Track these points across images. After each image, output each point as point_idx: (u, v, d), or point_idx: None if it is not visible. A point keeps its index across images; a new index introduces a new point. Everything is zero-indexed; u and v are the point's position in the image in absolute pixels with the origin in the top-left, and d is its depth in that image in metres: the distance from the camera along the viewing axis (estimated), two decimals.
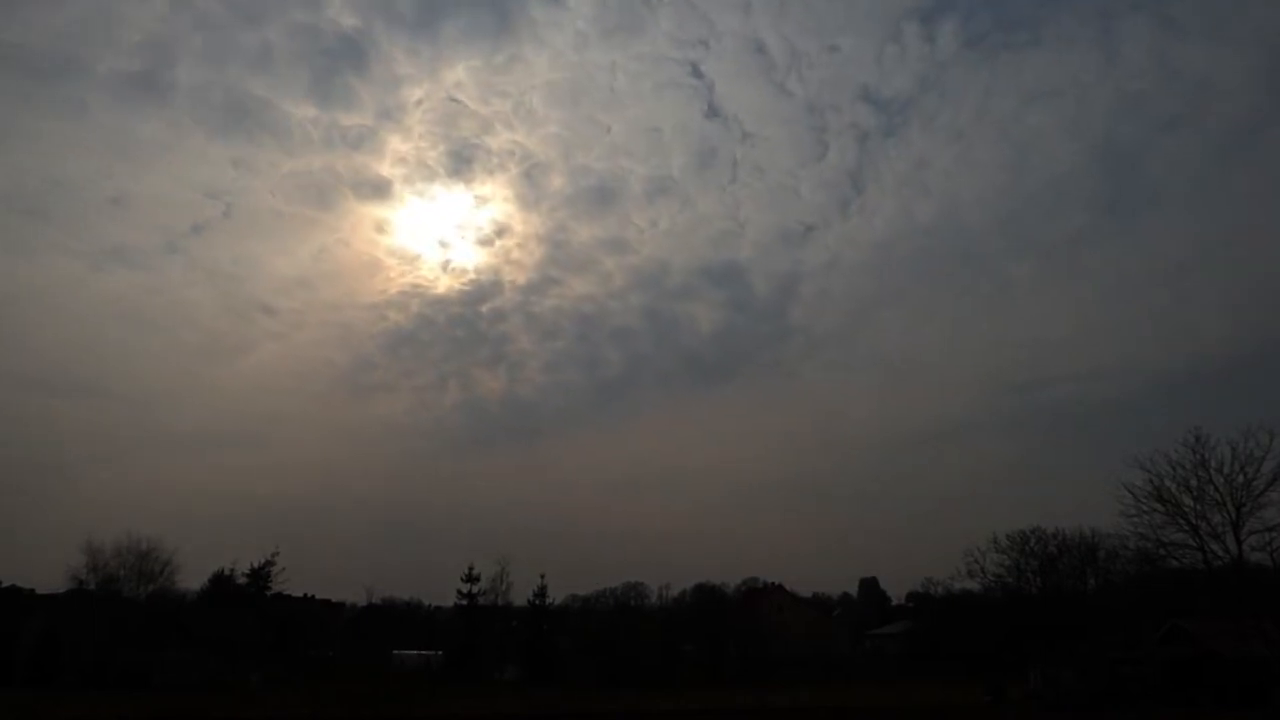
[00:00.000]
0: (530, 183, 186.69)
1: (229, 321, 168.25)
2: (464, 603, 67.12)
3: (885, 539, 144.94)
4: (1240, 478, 32.06)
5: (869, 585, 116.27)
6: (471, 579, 66.93)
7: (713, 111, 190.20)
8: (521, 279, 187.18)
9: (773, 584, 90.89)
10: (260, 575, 66.69)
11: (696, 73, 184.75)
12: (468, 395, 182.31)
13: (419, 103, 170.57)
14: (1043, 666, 42.11)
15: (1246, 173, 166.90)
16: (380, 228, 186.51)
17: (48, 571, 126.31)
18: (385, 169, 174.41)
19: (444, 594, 76.19)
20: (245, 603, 64.17)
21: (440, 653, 69.31)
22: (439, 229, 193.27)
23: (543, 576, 68.24)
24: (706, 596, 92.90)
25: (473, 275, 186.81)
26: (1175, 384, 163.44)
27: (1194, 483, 32.93)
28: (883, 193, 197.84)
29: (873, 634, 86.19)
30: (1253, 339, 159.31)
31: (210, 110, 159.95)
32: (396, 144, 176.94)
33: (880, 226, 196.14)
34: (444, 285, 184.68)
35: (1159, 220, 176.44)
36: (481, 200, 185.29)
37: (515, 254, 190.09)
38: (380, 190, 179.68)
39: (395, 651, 72.42)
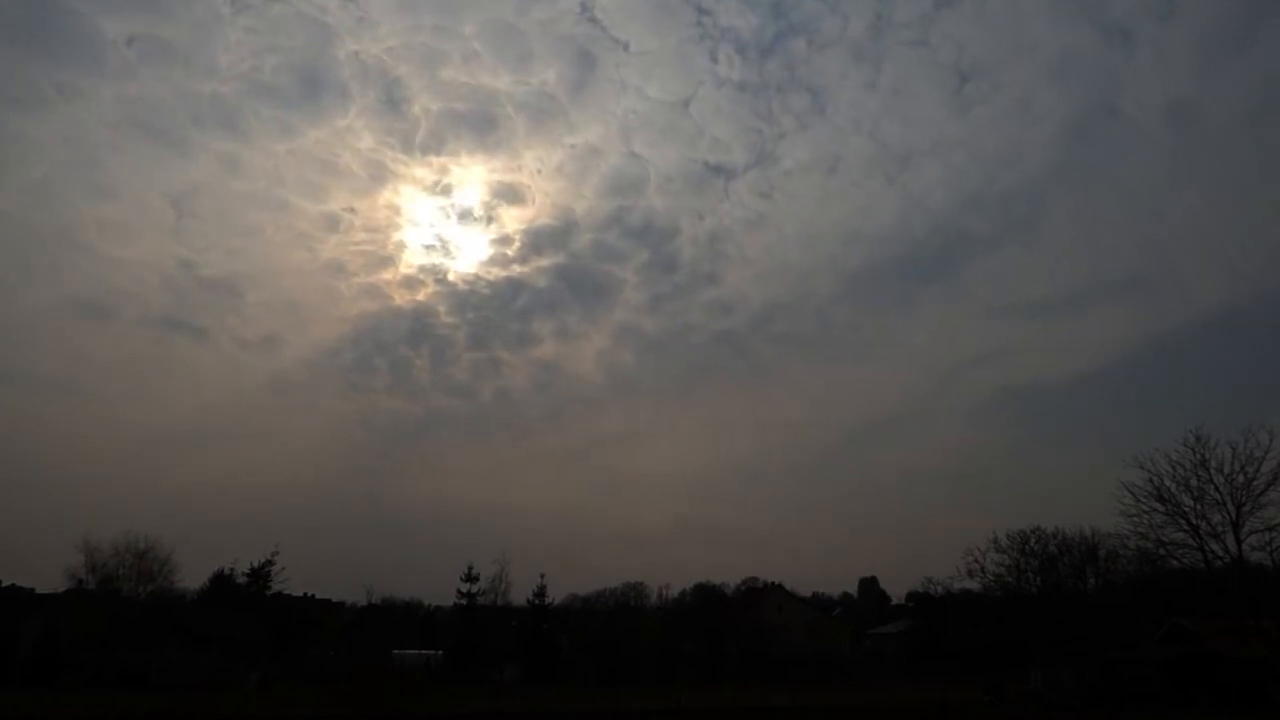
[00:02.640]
0: (394, 109, 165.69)
1: (117, 291, 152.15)
2: (464, 602, 67.24)
3: (885, 539, 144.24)
4: (1240, 477, 32.01)
5: (869, 585, 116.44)
6: (471, 579, 67.07)
7: (581, 8, 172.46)
8: (417, 237, 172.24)
9: (773, 584, 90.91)
10: (260, 575, 66.88)
11: None
12: (398, 378, 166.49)
13: (236, 5, 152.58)
14: (1042, 666, 42.11)
15: (1230, 88, 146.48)
16: (234, 168, 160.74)
17: (47, 571, 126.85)
18: (221, 89, 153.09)
19: (444, 594, 76.35)
20: (245, 602, 64.30)
21: (440, 653, 69.31)
22: (305, 172, 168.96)
23: (542, 576, 68.58)
24: (706, 596, 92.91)
25: (363, 234, 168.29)
26: (1153, 350, 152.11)
27: (1194, 482, 32.87)
28: (789, 129, 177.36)
29: (872, 633, 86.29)
30: (1244, 293, 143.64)
31: (15, 26, 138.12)
32: (227, 61, 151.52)
33: (796, 173, 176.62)
34: (334, 245, 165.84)
35: (1132, 155, 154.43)
36: (342, 135, 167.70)
37: (406, 207, 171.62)
38: (227, 121, 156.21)
39: (395, 651, 72.41)
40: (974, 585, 58.35)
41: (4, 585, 68.43)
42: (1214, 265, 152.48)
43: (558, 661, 65.04)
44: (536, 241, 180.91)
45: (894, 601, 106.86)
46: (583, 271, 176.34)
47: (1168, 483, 33.37)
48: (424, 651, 71.53)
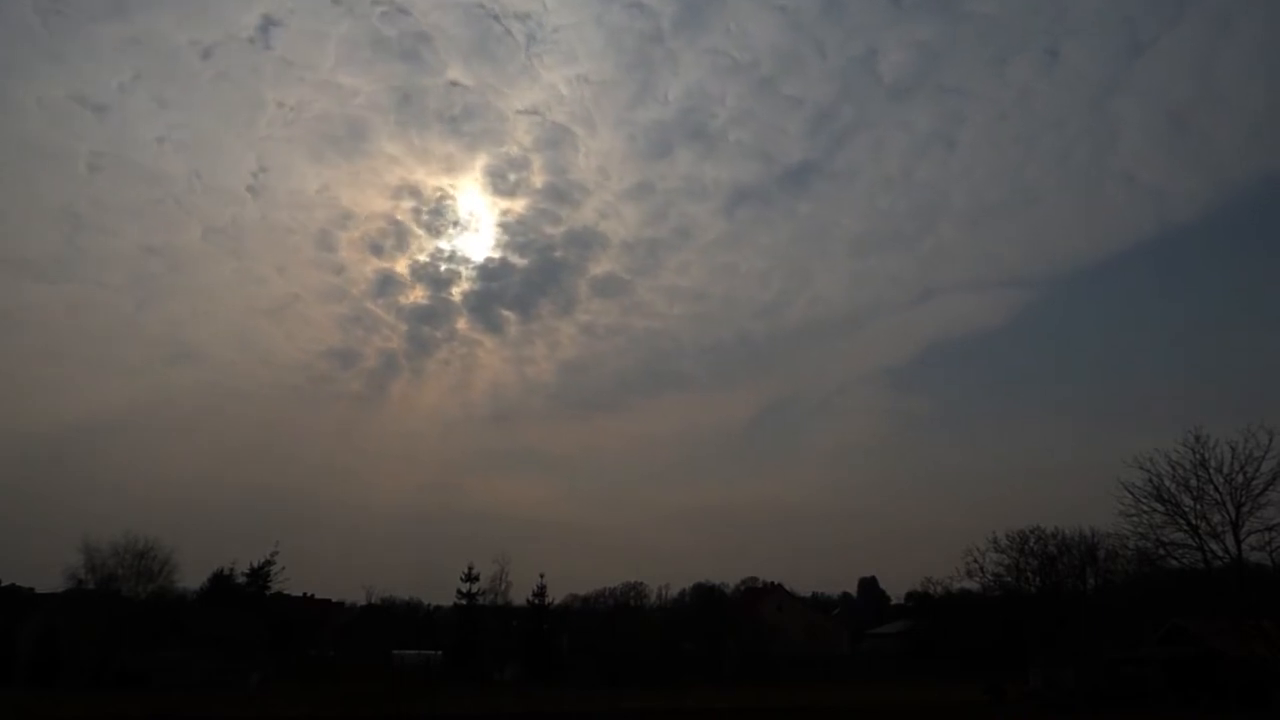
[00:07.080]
0: None
1: None
2: (463, 602, 67.16)
3: (885, 539, 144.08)
4: (1240, 477, 32.00)
5: (868, 585, 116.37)
6: (471, 578, 66.98)
7: None
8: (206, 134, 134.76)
9: (772, 584, 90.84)
10: (260, 575, 66.96)
11: None
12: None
13: None
14: (1042, 666, 42.10)
15: None
16: None
17: (47, 571, 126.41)
18: None
19: (444, 594, 76.34)
20: (245, 602, 64.36)
21: (440, 652, 69.29)
22: (28, 61, 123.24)
23: (542, 576, 68.41)
24: (706, 596, 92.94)
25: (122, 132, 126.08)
26: (1099, 273, 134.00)
27: (1193, 482, 32.86)
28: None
29: (872, 634, 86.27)
30: (1225, 190, 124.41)
31: None
32: None
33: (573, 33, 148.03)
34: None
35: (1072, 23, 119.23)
36: None
37: (160, 91, 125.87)
38: None
39: (395, 651, 72.45)
40: (973, 585, 58.36)
41: (4, 585, 68.44)
42: (1187, 151, 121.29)
43: (557, 661, 64.99)
44: (358, 172, 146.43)
45: (894, 601, 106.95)
46: (444, 216, 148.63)
47: (1167, 483, 33.38)
48: (424, 651, 71.53)
